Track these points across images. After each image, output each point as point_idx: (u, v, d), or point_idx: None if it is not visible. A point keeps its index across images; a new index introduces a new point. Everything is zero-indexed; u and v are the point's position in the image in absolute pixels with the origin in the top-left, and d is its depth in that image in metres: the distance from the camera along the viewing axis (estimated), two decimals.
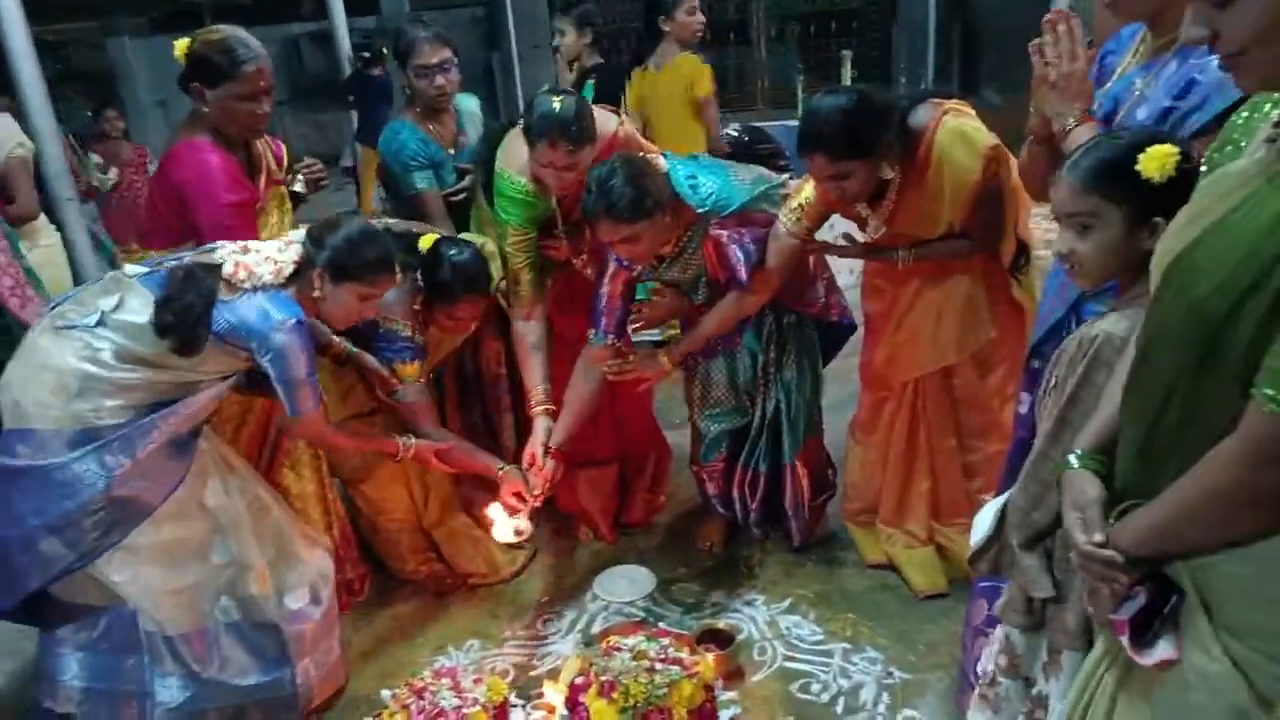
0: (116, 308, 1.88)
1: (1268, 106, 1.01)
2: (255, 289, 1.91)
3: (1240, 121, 1.08)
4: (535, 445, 2.43)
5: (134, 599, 1.95)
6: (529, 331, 2.47)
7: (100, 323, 1.86)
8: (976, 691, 1.63)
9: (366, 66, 6.89)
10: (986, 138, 2.09)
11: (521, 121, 2.33)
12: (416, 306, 2.37)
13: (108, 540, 1.87)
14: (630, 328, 2.55)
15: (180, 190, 2.17)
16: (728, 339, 2.53)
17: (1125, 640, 1.06)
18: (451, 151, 2.83)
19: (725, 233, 2.26)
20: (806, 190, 2.25)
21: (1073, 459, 1.20)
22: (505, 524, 2.44)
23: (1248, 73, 0.94)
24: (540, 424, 2.44)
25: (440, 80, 2.70)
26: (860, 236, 2.37)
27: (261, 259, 1.93)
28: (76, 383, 1.84)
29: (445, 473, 2.50)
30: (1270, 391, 0.87)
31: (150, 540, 1.93)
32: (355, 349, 2.36)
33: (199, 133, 2.20)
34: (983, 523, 1.42)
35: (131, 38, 12.08)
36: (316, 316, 2.04)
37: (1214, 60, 1.04)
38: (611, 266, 2.40)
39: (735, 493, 2.63)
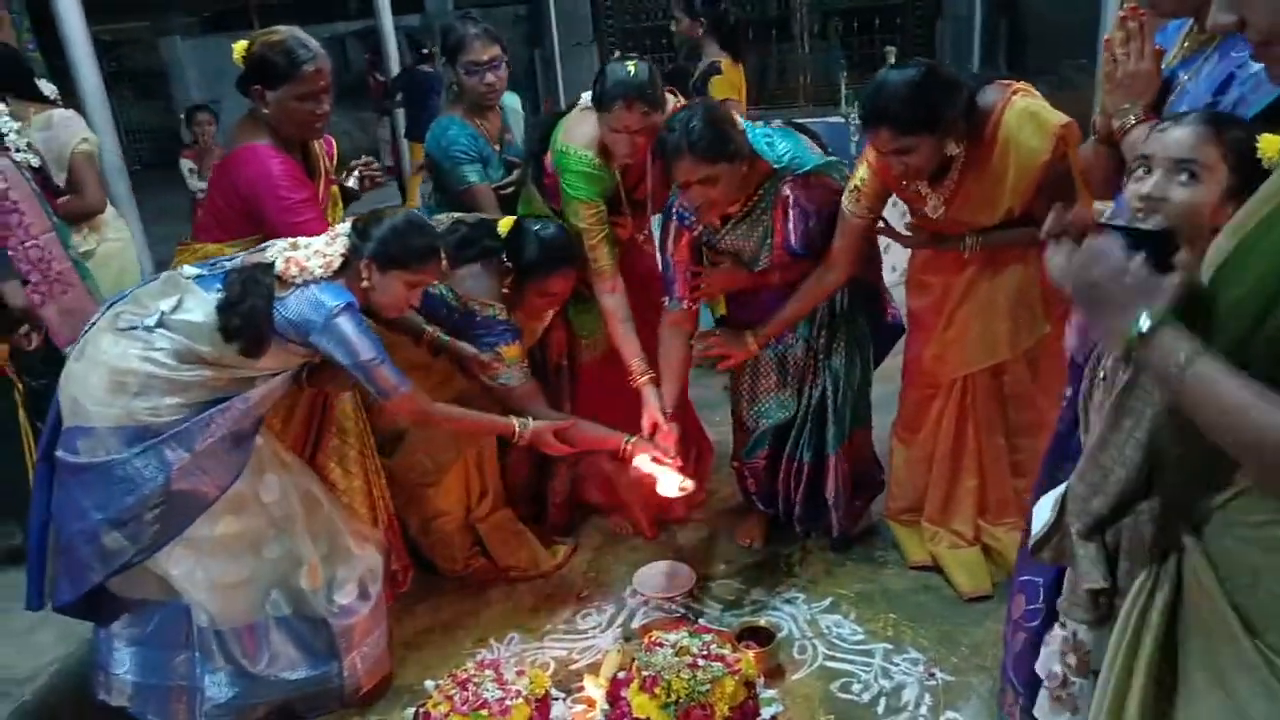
0: (175, 309, 1.92)
1: None
2: (306, 283, 1.95)
3: None
4: (653, 411, 2.41)
5: (189, 593, 2.00)
6: (616, 305, 2.48)
7: (160, 324, 1.90)
8: (1047, 694, 1.60)
9: (421, 61, 6.97)
10: (1058, 116, 2.04)
11: (582, 100, 2.38)
12: (505, 289, 2.38)
13: (167, 534, 1.92)
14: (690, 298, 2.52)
15: (245, 193, 2.21)
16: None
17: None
18: (497, 148, 2.85)
19: (793, 196, 2.26)
20: (860, 171, 2.24)
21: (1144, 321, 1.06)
22: (671, 481, 2.39)
23: (1276, 63, 0.91)
24: (649, 393, 2.42)
25: (490, 77, 2.72)
26: (900, 225, 2.36)
27: (311, 253, 1.97)
28: (137, 382, 1.88)
29: (564, 452, 2.42)
30: None
31: (207, 534, 1.97)
32: (448, 338, 2.38)
33: (259, 135, 2.23)
34: (1043, 511, 1.39)
35: (183, 37, 12.34)
36: (365, 305, 2.07)
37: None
38: (673, 229, 2.40)
39: (780, 485, 2.62)
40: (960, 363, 2.37)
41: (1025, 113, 2.04)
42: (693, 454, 2.96)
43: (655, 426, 2.40)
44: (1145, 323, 0.92)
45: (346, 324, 1.93)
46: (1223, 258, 0.95)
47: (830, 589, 2.56)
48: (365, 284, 2.00)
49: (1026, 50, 9.63)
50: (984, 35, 10.12)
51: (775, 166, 2.26)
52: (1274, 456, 0.86)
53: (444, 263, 2.10)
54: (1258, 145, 1.22)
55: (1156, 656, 1.07)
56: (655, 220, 2.62)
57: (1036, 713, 1.67)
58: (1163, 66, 1.66)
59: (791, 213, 2.26)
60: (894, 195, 2.31)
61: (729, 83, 4.13)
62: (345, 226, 2.04)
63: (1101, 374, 1.44)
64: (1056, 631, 1.56)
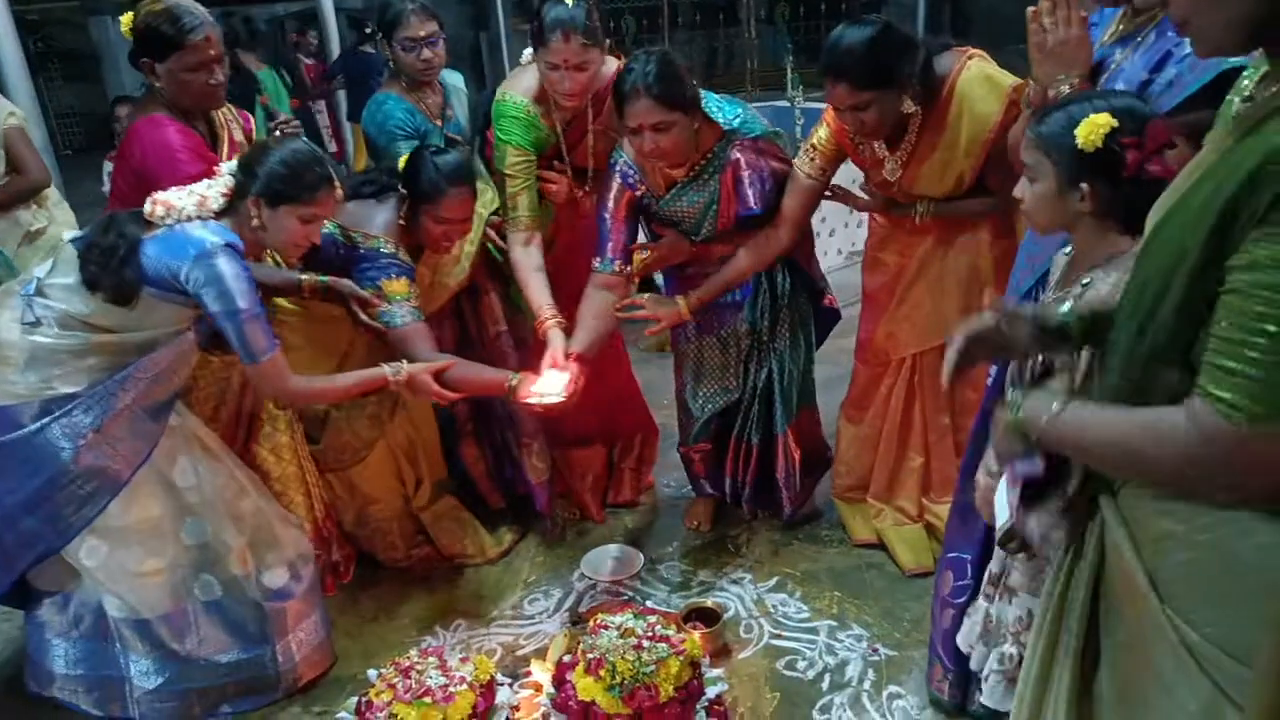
0: (50, 273, 1.84)
1: (1245, 80, 0.99)
2: (178, 222, 1.83)
3: (1227, 100, 1.08)
4: (554, 351, 2.23)
5: (104, 584, 1.94)
6: (529, 256, 2.41)
7: (37, 290, 1.82)
8: (1003, 678, 1.63)
9: (363, 42, 6.81)
10: (1010, 79, 2.06)
11: (525, 55, 2.35)
12: (401, 221, 2.30)
13: (83, 515, 1.85)
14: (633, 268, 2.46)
15: (142, 167, 2.11)
16: (720, 318, 2.51)
17: (1016, 495, 1.15)
18: (439, 124, 2.80)
19: (744, 159, 2.25)
20: (820, 132, 2.26)
21: (1065, 307, 1.22)
22: (552, 382, 2.18)
23: (1196, 38, 0.92)
24: (555, 334, 2.26)
25: (427, 54, 2.67)
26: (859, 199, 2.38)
27: (184, 193, 1.85)
28: (22, 355, 1.81)
29: (447, 398, 2.18)
30: (1224, 394, 0.83)
31: (119, 522, 1.91)
32: (326, 278, 2.25)
33: (156, 109, 2.14)
34: (1002, 508, 1.41)
35: (114, 18, 11.92)
36: (259, 250, 1.97)
37: None
38: (615, 186, 2.35)
39: (728, 468, 2.63)
40: (912, 340, 2.39)
41: (979, 76, 2.06)
42: (638, 439, 2.96)
43: (555, 364, 2.23)
44: (1014, 412, 1.11)
45: (223, 263, 1.76)
46: (1146, 236, 0.98)
47: (776, 569, 2.59)
48: (255, 223, 1.87)
49: (969, 35, 9.76)
50: (928, 20, 10.26)
51: (725, 129, 2.25)
52: (1141, 460, 0.94)
53: (338, 191, 1.97)
54: (1075, 136, 1.28)
55: (1084, 623, 1.09)
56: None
57: (986, 700, 1.70)
58: (1096, 47, 1.68)
59: (745, 174, 2.25)
60: (852, 163, 2.32)
61: None
62: (230, 165, 1.93)
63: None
64: (980, 604, 1.58)
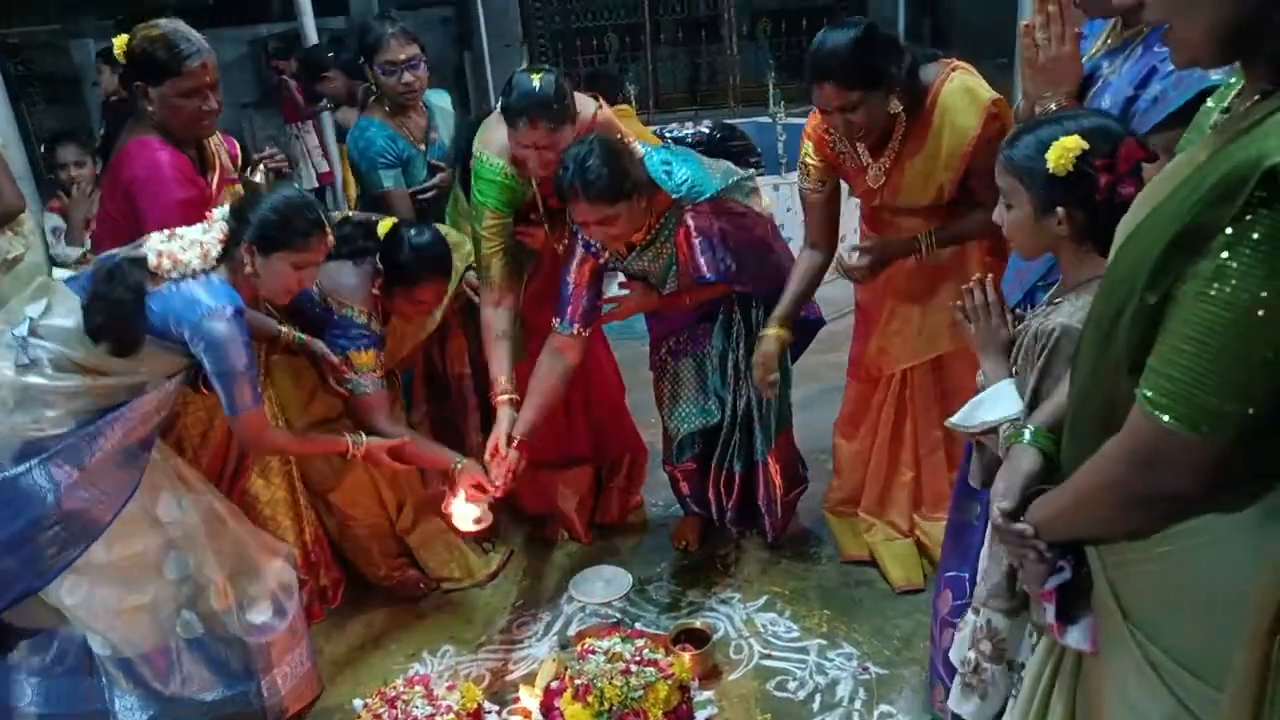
0: (45, 313, 1.82)
1: (1222, 98, 1.00)
2: (184, 276, 1.83)
3: (1207, 108, 1.09)
4: (499, 435, 2.33)
5: (85, 622, 1.91)
6: (497, 320, 2.41)
7: (31, 331, 1.80)
8: (960, 680, 1.63)
9: (280, 72, 6.80)
10: (990, 92, 2.07)
11: (500, 103, 2.30)
12: (375, 291, 2.33)
13: (64, 557, 1.82)
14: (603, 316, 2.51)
15: (130, 190, 2.10)
16: (696, 340, 2.52)
17: (1051, 613, 1.09)
18: (422, 147, 2.80)
19: (695, 225, 2.25)
20: (806, 147, 2.28)
21: (1026, 433, 1.22)
22: (464, 513, 2.36)
23: (1174, 47, 0.92)
24: (504, 413, 2.35)
25: (408, 77, 2.67)
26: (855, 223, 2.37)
27: (187, 244, 1.85)
28: (13, 395, 1.78)
29: (399, 471, 2.41)
30: (1149, 393, 0.85)
31: (101, 559, 1.88)
32: (304, 337, 2.30)
33: (147, 132, 2.13)
34: (1005, 400, 1.39)
35: (96, 40, 11.90)
36: (254, 295, 1.97)
37: None
38: (579, 253, 2.37)
39: (710, 492, 2.62)
40: (903, 355, 2.39)
41: (961, 88, 2.07)
42: (627, 459, 2.96)
43: (495, 450, 2.32)
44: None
45: (223, 328, 1.81)
46: (1116, 246, 0.99)
47: (765, 587, 2.58)
48: (249, 270, 1.88)
49: (949, 49, 9.83)
50: (908, 35, 10.32)
51: (674, 197, 2.25)
52: (1103, 510, 0.98)
53: (330, 238, 1.98)
54: (1046, 160, 1.29)
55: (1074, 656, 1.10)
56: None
57: (949, 702, 1.69)
58: (1085, 59, 1.69)
59: (695, 242, 2.26)
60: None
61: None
62: (223, 211, 1.94)
63: (1014, 369, 1.47)
64: (970, 618, 1.58)
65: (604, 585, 2.64)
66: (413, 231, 2.33)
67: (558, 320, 2.39)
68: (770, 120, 5.17)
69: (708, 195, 2.27)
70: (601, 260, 2.39)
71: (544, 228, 2.49)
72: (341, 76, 4.27)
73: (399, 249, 2.30)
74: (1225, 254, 0.80)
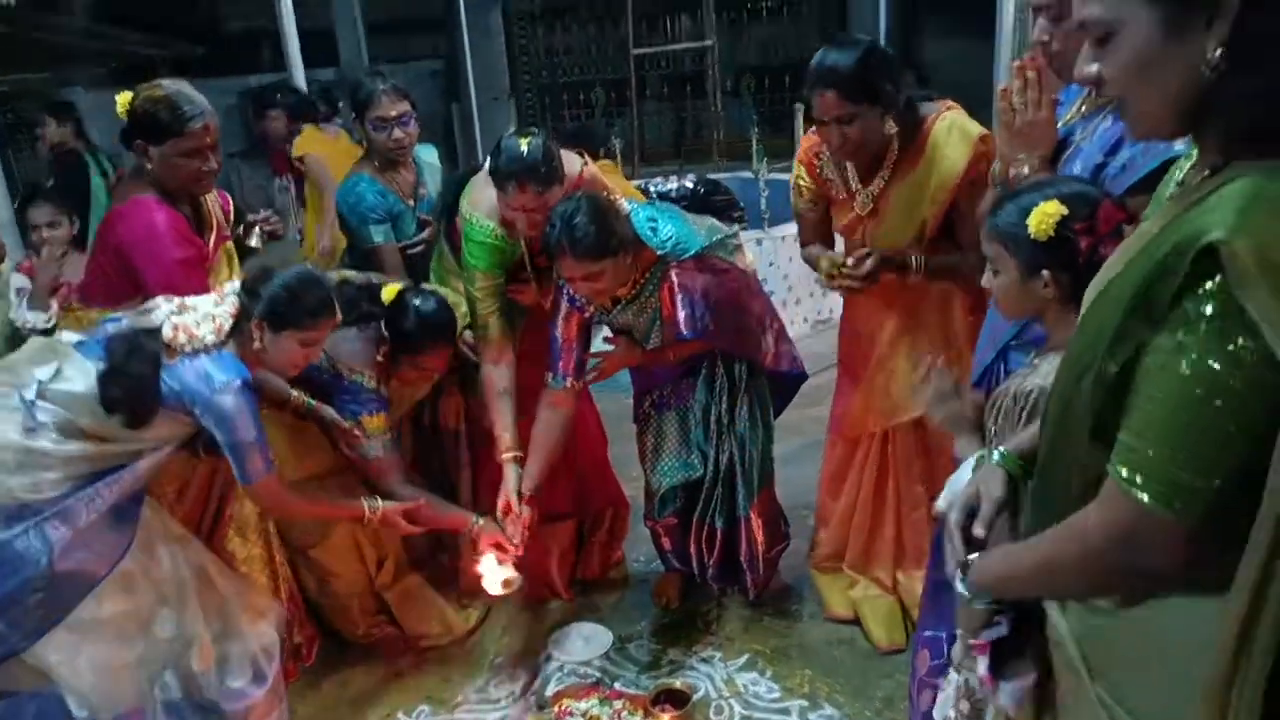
0: (54, 377, 1.81)
1: (1180, 166, 1.03)
2: (196, 352, 1.86)
3: (1166, 180, 1.11)
4: (508, 493, 2.36)
5: (68, 681, 1.85)
6: (498, 378, 2.42)
7: (39, 394, 1.79)
8: None
9: (333, 114, 6.85)
10: (978, 128, 2.11)
11: (487, 165, 2.32)
12: (380, 358, 2.33)
13: (52, 618, 1.79)
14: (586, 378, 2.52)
15: (126, 249, 2.12)
16: (680, 394, 2.52)
17: (984, 665, 1.10)
18: (411, 203, 2.83)
19: (679, 281, 2.28)
20: (799, 169, 2.36)
21: (996, 454, 1.23)
22: (495, 575, 2.36)
23: (1130, 119, 0.94)
24: (510, 471, 2.37)
25: (398, 133, 2.71)
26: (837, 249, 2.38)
27: (200, 317, 1.88)
28: (15, 458, 1.77)
29: (414, 533, 2.41)
30: (1124, 470, 0.85)
31: (93, 615, 1.85)
32: (314, 402, 2.31)
33: (144, 189, 2.14)
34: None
35: (86, 89, 11.99)
36: (259, 368, 1.99)
37: None
38: (564, 308, 2.38)
39: (692, 548, 2.61)
40: (889, 412, 2.39)
41: (953, 124, 2.12)
42: (608, 514, 2.94)
43: (508, 509, 2.35)
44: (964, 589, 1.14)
45: (232, 401, 1.85)
46: (1082, 312, 1.01)
47: (747, 646, 2.55)
48: (257, 345, 1.92)
49: None
50: None
51: (659, 253, 2.28)
52: (1063, 569, 0.98)
53: (338, 317, 2.02)
54: (1028, 225, 1.32)
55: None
56: None
57: None
58: (1060, 124, 1.73)
59: (678, 299, 2.28)
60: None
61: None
62: (234, 285, 1.97)
63: (992, 430, 1.48)
64: (952, 677, 1.57)
65: (584, 643, 2.60)
66: (418, 300, 2.35)
67: (550, 375, 2.40)
68: (753, 176, 5.24)
69: (692, 252, 2.29)
70: (587, 314, 2.40)
71: (532, 284, 2.50)
72: (283, 117, 4.35)
73: (405, 317, 2.31)
74: (1181, 331, 0.81)
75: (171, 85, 2.15)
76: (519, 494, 2.35)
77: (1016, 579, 1.05)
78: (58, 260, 2.83)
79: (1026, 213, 1.33)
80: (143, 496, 1.94)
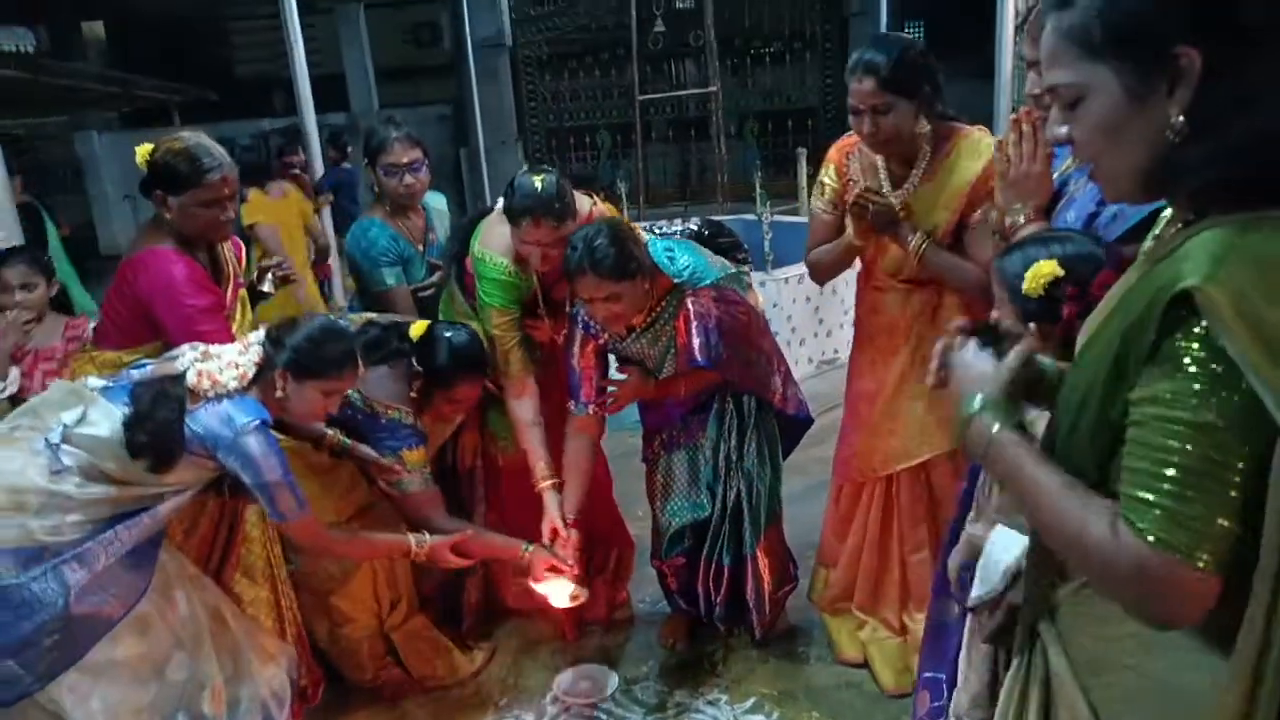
0: (79, 422, 1.83)
1: (1160, 223, 1.04)
2: (219, 397, 1.89)
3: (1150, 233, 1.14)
4: (553, 518, 2.40)
5: None
6: (524, 410, 2.46)
7: (63, 439, 1.82)
8: None
9: (342, 158, 7.01)
10: (993, 140, 2.15)
11: (499, 205, 2.38)
12: (414, 394, 2.36)
13: (66, 660, 1.79)
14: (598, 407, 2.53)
15: (146, 299, 2.16)
16: (690, 432, 2.54)
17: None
18: (420, 248, 2.87)
19: (694, 309, 2.31)
20: (827, 168, 2.37)
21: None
22: (561, 590, 2.38)
23: (1103, 181, 0.97)
24: (550, 498, 2.42)
25: (409, 179, 2.75)
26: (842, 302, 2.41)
27: (224, 364, 1.91)
28: (38, 500, 1.78)
29: (462, 565, 2.40)
30: (1146, 526, 0.84)
31: (108, 657, 1.85)
32: (349, 441, 2.33)
33: (161, 240, 2.20)
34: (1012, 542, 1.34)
35: (100, 132, 12.22)
36: (281, 415, 2.02)
37: None
38: (579, 336, 2.42)
39: (700, 587, 2.60)
40: (896, 455, 2.39)
41: (975, 139, 2.18)
42: (614, 554, 2.94)
43: (555, 533, 2.39)
44: (974, 405, 1.04)
45: (255, 442, 1.87)
46: (1073, 363, 1.02)
47: (753, 688, 2.54)
48: (280, 395, 1.95)
49: None
50: None
51: (675, 281, 2.32)
52: (1060, 539, 0.94)
53: (361, 368, 2.07)
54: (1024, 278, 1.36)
55: None
56: None
57: None
58: (1057, 174, 1.76)
59: (693, 326, 2.32)
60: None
61: None
62: (258, 335, 2.00)
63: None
64: None
65: (589, 684, 2.59)
66: (449, 333, 2.38)
67: (573, 404, 2.45)
68: (757, 218, 5.30)
69: (708, 282, 2.33)
70: (601, 340, 2.43)
71: (544, 321, 2.54)
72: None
73: (437, 350, 2.34)
74: (1166, 378, 0.83)
75: (191, 138, 2.21)
76: (564, 520, 2.39)
77: (1021, 495, 0.99)
78: (24, 326, 2.59)
79: (1027, 264, 1.37)
80: (161, 539, 1.95)
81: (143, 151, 2.20)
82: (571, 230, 2.29)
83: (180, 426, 1.84)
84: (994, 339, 1.11)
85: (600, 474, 2.92)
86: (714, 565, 2.56)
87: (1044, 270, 1.33)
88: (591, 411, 2.44)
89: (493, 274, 2.42)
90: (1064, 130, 0.95)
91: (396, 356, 2.36)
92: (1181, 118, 0.85)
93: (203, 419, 1.86)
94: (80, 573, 1.78)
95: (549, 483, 2.43)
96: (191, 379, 1.88)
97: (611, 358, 2.54)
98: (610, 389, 2.47)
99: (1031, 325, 1.37)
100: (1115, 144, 0.91)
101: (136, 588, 1.86)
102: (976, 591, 1.38)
